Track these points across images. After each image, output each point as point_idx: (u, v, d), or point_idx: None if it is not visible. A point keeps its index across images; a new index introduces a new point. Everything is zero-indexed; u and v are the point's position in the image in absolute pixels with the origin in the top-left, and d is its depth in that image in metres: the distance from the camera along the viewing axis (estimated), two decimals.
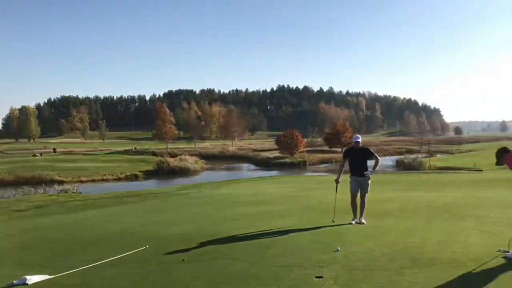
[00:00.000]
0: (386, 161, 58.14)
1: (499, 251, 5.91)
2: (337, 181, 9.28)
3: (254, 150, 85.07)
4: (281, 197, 14.86)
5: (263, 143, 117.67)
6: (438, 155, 66.47)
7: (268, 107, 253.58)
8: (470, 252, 5.98)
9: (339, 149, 76.08)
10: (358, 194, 8.95)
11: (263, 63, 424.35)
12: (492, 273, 5.02)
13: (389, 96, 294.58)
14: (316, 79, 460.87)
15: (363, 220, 8.84)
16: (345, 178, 9.33)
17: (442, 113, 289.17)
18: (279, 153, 67.02)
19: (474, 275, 5.01)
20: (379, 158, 9.15)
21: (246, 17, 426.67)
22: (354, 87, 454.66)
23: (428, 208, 11.02)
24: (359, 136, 9.28)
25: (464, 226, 8.26)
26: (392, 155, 78.29)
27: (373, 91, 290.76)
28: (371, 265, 5.55)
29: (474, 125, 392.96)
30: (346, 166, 9.21)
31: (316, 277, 5.13)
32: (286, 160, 61.01)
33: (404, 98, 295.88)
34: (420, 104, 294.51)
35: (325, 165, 61.15)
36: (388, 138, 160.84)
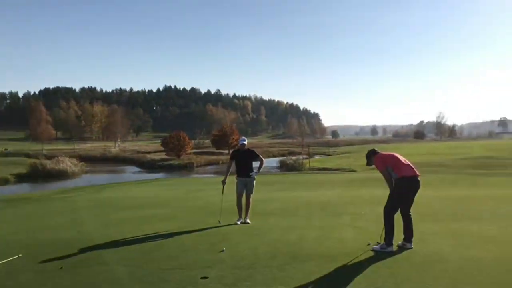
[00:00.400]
0: (271, 162, 60.18)
1: (369, 244, 6.51)
2: (223, 182, 9.45)
3: (139, 152, 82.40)
4: (167, 200, 14.66)
5: (148, 145, 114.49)
6: (317, 157, 70.44)
7: (154, 108, 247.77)
8: (344, 247, 6.49)
9: (226, 151, 77.09)
10: (244, 195, 9.20)
11: (148, 62, 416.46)
12: (361, 265, 5.50)
13: (274, 100, 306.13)
14: (204, 81, 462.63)
15: (248, 220, 9.12)
16: (232, 179, 9.53)
17: (321, 117, 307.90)
18: (166, 155, 65.74)
19: (346, 268, 5.45)
20: (263, 159, 9.50)
21: (130, 14, 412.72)
22: (241, 91, 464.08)
23: (307, 207, 11.71)
24: (245, 138, 9.57)
25: (339, 222, 8.94)
26: (276, 156, 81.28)
27: (258, 95, 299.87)
28: (255, 263, 5.75)
29: (349, 129, 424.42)
30: (233, 168, 9.43)
31: (201, 277, 5.18)
32: (173, 162, 60.08)
33: (287, 103, 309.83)
34: (301, 108, 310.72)
35: (212, 166, 61.42)
36: (272, 140, 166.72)
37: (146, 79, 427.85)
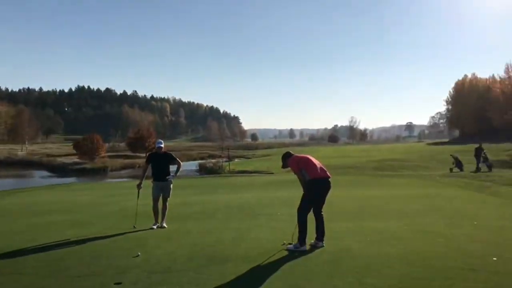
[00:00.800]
0: (190, 165, 59.64)
1: (283, 244, 6.72)
2: (139, 186, 9.25)
3: (49, 156, 77.69)
4: (79, 205, 13.99)
5: (60, 148, 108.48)
6: (237, 160, 71.02)
7: (66, 109, 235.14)
8: (260, 247, 6.64)
9: (143, 154, 75.08)
10: (160, 199, 9.06)
11: (60, 60, 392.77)
12: (276, 264, 5.67)
13: (193, 102, 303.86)
14: (120, 82, 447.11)
15: (164, 224, 8.99)
16: (148, 183, 9.36)
17: (241, 120, 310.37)
18: (78, 158, 62.72)
19: (262, 268, 5.58)
20: (181, 163, 9.44)
21: (39, 6, 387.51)
22: (159, 92, 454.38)
23: (225, 210, 11.78)
24: (162, 141, 9.42)
25: (256, 223, 9.11)
26: (195, 159, 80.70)
27: (178, 97, 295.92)
28: (171, 266, 5.70)
29: (268, 132, 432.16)
30: (149, 171, 9.26)
31: (115, 283, 5.04)
32: (86, 166, 57.32)
33: (207, 105, 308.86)
34: (221, 111, 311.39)
35: (127, 170, 59.50)
36: (192, 143, 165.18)
37: (57, 78, 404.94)
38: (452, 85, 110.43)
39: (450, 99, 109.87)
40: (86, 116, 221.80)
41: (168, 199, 9.12)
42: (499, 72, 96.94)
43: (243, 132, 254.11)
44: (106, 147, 69.14)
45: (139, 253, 6.40)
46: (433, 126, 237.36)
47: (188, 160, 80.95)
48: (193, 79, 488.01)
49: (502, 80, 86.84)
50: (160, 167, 9.04)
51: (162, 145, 9.13)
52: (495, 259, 5.57)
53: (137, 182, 9.40)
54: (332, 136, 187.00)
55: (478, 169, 25.68)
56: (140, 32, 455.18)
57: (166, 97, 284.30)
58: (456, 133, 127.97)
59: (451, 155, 29.28)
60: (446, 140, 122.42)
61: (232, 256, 6.12)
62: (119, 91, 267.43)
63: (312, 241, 6.62)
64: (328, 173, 6.73)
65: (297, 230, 6.64)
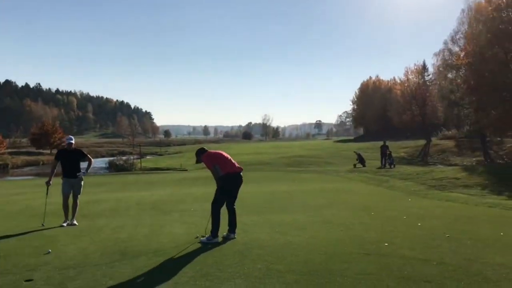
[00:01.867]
0: (99, 162, 57.43)
1: (197, 237, 6.99)
2: (48, 183, 8.99)
3: None
4: None
5: None
6: (148, 157, 69.55)
7: None
8: (174, 241, 6.84)
9: (47, 151, 70.95)
10: (70, 196, 8.89)
11: None
12: (189, 256, 5.92)
13: (102, 97, 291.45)
14: (21, 74, 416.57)
15: (74, 222, 8.85)
16: (57, 181, 9.12)
17: (153, 116, 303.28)
18: None
19: (175, 260, 5.80)
20: (92, 159, 9.31)
21: None
22: (65, 86, 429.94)
23: (138, 207, 11.77)
24: (72, 137, 9.24)
25: (169, 219, 9.28)
26: (104, 156, 77.90)
27: (85, 91, 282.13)
28: (83, 262, 5.72)
29: (181, 129, 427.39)
30: (58, 168, 9.03)
31: (25, 280, 4.99)
32: None
33: (117, 100, 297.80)
34: (132, 107, 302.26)
35: (31, 167, 55.95)
36: (101, 139, 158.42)
37: None
38: (358, 86, 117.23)
39: (355, 99, 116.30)
40: None
41: (79, 196, 8.98)
42: (399, 75, 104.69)
43: (155, 128, 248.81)
44: (7, 143, 64.11)
45: (50, 250, 6.32)
46: (340, 124, 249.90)
47: (96, 157, 78.02)
48: (102, 72, 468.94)
49: (401, 82, 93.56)
50: (70, 163, 8.86)
51: (73, 141, 8.97)
52: (386, 244, 6.29)
53: (45, 179, 9.12)
54: (246, 133, 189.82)
55: (383, 166, 27.22)
56: (42, 18, 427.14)
57: (72, 91, 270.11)
58: (361, 131, 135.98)
59: (354, 152, 31.33)
60: (352, 137, 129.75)
61: (145, 250, 6.26)
62: (20, 83, 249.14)
63: (225, 233, 6.96)
64: (240, 168, 7.11)
65: (210, 223, 6.96)
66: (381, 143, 30.48)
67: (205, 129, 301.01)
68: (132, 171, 38.46)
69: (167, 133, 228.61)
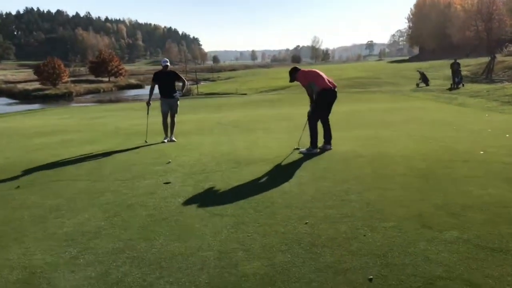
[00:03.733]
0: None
1: (296, 149, 7.55)
2: (148, 104, 9.73)
3: (7, 82, 74.60)
4: (73, 126, 14.31)
5: (15, 74, 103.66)
6: (202, 83, 70.53)
7: (15, 33, 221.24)
8: (273, 153, 7.42)
9: (106, 79, 73.42)
10: (169, 115, 9.59)
11: None
12: (297, 163, 6.51)
13: (150, 24, 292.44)
14: (71, 2, 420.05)
15: (173, 138, 9.61)
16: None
17: (200, 42, 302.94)
18: (40, 84, 60.68)
19: (286, 166, 6.41)
20: (186, 80, 9.88)
21: None
22: (114, 14, 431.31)
23: (220, 126, 12.44)
24: (167, 59, 9.77)
25: (257, 136, 9.86)
26: None
27: (133, 19, 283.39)
28: (204, 169, 6.45)
29: (229, 54, 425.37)
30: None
31: (164, 183, 5.76)
32: (49, 92, 55.86)
33: (165, 27, 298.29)
34: (180, 33, 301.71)
35: (93, 95, 58.44)
36: (152, 67, 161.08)
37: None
38: (414, 1, 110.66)
39: (411, 16, 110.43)
40: (38, 40, 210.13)
41: (176, 115, 9.67)
42: None
43: (204, 55, 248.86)
44: (68, 72, 66.76)
45: (170, 160, 7.10)
46: (393, 44, 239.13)
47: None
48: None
49: None
50: (167, 84, 9.47)
51: (168, 63, 9.51)
52: (482, 152, 6.59)
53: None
54: (295, 57, 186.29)
55: (454, 85, 24.50)
56: None
57: (121, 18, 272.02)
58: (416, 50, 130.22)
59: (417, 70, 30.52)
60: (406, 57, 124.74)
61: (254, 160, 6.91)
62: (71, 13, 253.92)
63: (320, 145, 7.46)
64: (334, 84, 7.45)
65: (303, 136, 7.52)
66: (440, 61, 29.36)
67: (253, 54, 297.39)
68: (190, 96, 39.47)
69: (215, 59, 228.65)
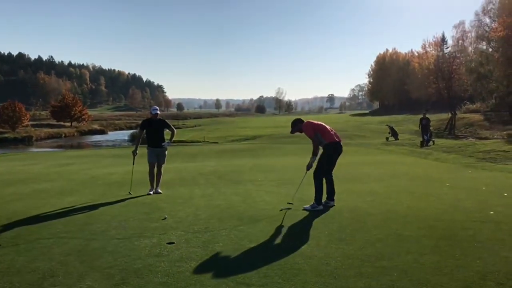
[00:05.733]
0: (121, 135, 58.23)
1: (288, 204, 7.19)
2: (134, 153, 9.23)
3: None
4: (43, 174, 13.43)
5: None
6: (168, 130, 69.87)
7: None
8: (273, 209, 7.00)
9: (68, 124, 71.59)
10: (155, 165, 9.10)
11: None
12: (307, 222, 6.13)
13: (114, 70, 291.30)
14: (34, 46, 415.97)
15: (159, 190, 9.06)
16: (140, 151, 9.32)
17: (165, 89, 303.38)
18: None
19: (297, 225, 6.00)
20: (175, 129, 9.48)
21: None
22: (77, 59, 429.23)
23: (203, 177, 11.96)
24: (157, 107, 9.37)
25: (247, 189, 9.44)
26: (123, 129, 78.69)
27: (97, 64, 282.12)
28: (208, 227, 5.94)
29: (193, 102, 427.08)
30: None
31: (167, 243, 5.22)
32: (8, 135, 53.70)
33: (129, 73, 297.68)
34: (144, 80, 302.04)
35: (54, 140, 56.58)
36: (116, 112, 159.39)
37: None
38: (374, 58, 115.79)
39: (371, 72, 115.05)
40: None
41: (163, 165, 9.19)
42: (417, 48, 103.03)
43: (168, 101, 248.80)
44: (29, 116, 64.73)
45: (166, 216, 6.55)
46: (353, 98, 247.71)
47: (115, 129, 78.68)
48: (114, 45, 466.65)
49: (419, 54, 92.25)
50: (155, 133, 9.03)
51: (158, 111, 9.10)
52: (492, 213, 6.41)
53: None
54: (260, 107, 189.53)
55: (426, 143, 23.24)
56: None
57: (85, 63, 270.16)
58: (375, 105, 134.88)
59: (387, 125, 31.30)
60: (367, 111, 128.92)
61: (256, 216, 6.48)
62: (33, 56, 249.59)
63: (323, 200, 7.13)
64: (339, 138, 7.25)
65: (297, 192, 7.27)
66: (402, 116, 30.21)
67: (217, 103, 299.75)
68: None
69: (179, 106, 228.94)
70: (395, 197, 7.95)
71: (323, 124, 7.33)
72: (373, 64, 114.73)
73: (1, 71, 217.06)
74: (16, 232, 5.90)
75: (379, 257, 4.49)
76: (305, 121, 7.46)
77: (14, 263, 4.64)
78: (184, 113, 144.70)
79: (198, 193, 8.87)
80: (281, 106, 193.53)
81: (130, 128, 75.85)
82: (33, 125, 65.29)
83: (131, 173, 9.46)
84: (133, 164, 9.38)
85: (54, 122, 73.01)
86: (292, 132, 7.56)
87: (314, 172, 7.13)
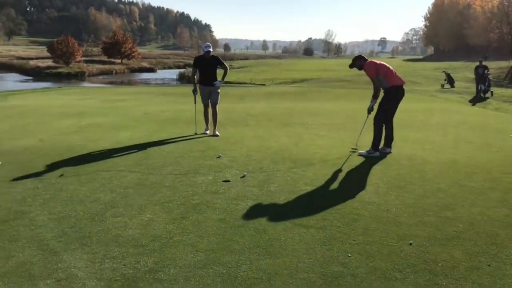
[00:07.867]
0: (169, 74, 58.75)
1: (353, 150, 7.01)
2: (194, 92, 9.11)
3: (19, 58, 74.08)
4: (97, 108, 13.80)
5: (26, 50, 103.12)
6: None
7: (28, 9, 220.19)
8: (329, 153, 6.89)
9: (118, 60, 72.71)
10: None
11: None
12: (364, 167, 6.00)
13: (163, 8, 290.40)
14: None
15: (217, 133, 8.75)
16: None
17: (212, 29, 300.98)
18: (53, 62, 60.06)
19: (352, 169, 5.88)
20: (228, 67, 9.27)
21: None
22: None
23: (251, 118, 11.87)
24: (210, 44, 9.12)
25: (297, 132, 9.29)
26: (171, 68, 79.14)
27: (146, 1, 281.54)
28: (262, 167, 5.92)
29: (239, 42, 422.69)
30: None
31: (223, 181, 5.25)
32: (62, 70, 55.25)
33: (177, 12, 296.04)
34: (192, 18, 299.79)
35: (105, 76, 57.87)
36: (164, 51, 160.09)
37: None
38: (432, 1, 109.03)
39: (428, 15, 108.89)
40: (50, 17, 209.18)
41: (217, 104, 9.03)
42: None
43: (215, 42, 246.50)
44: (82, 52, 66.13)
45: (220, 155, 6.58)
46: (406, 42, 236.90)
47: (164, 68, 79.33)
48: None
49: None
50: (207, 71, 8.82)
51: (211, 49, 8.84)
52: None
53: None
54: (308, 49, 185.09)
55: (480, 93, 20.60)
56: None
57: (134, 0, 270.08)
58: (430, 50, 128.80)
59: (443, 71, 29.82)
60: (420, 57, 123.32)
61: (310, 159, 6.39)
62: None
63: (380, 147, 6.90)
64: (404, 81, 6.88)
65: (360, 136, 7.01)
66: (459, 63, 28.45)
67: (264, 44, 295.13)
68: None
69: (226, 47, 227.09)
70: (454, 146, 7.64)
71: (387, 64, 6.91)
72: (430, 7, 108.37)
73: (54, 6, 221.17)
74: (76, 163, 6.12)
75: (442, 207, 4.33)
76: (368, 59, 7.05)
77: (77, 192, 4.82)
78: (230, 54, 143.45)
79: (250, 134, 8.83)
80: (330, 49, 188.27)
81: (178, 67, 76.03)
82: (85, 61, 66.74)
83: (194, 112, 9.38)
84: (195, 103, 9.29)
85: (105, 58, 74.26)
86: (350, 66, 7.15)
87: (375, 117, 6.86)
